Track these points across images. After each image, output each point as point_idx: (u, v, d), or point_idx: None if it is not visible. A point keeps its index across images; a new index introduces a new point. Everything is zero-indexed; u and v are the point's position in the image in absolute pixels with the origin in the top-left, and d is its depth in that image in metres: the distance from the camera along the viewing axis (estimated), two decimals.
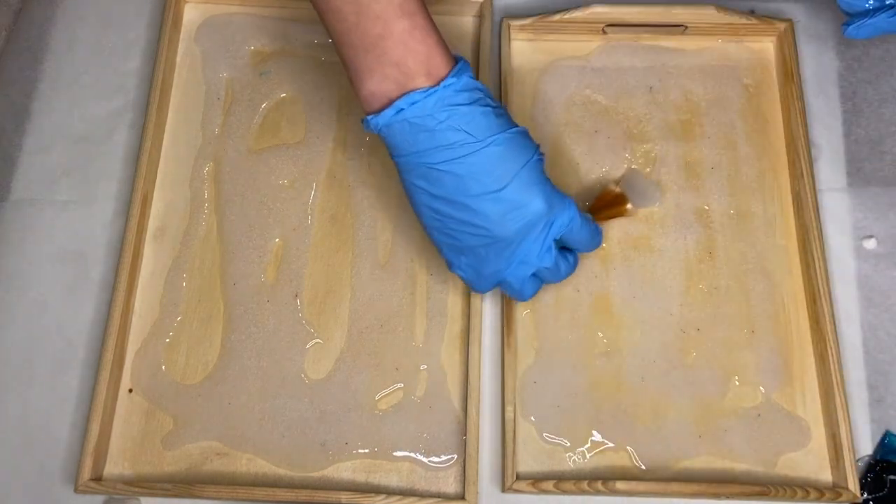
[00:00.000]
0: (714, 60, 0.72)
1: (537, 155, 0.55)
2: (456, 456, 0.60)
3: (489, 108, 0.54)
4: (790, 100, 0.68)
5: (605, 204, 0.66)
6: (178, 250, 0.66)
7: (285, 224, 0.67)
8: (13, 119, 0.71)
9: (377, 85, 0.53)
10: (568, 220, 0.56)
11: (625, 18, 0.70)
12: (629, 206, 0.66)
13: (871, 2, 0.57)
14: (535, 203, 0.54)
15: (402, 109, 0.52)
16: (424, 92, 0.52)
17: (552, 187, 0.55)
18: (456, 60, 0.54)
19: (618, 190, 0.66)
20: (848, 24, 0.59)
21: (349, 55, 0.53)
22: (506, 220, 0.54)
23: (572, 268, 0.59)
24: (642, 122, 0.70)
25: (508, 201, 0.54)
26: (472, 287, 0.60)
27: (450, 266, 0.59)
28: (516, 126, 0.55)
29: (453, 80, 0.52)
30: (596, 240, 0.61)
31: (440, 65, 0.53)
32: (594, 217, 0.62)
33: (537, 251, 0.56)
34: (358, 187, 0.68)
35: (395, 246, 0.66)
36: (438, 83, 0.52)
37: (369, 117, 0.53)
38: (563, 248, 0.59)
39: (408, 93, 0.52)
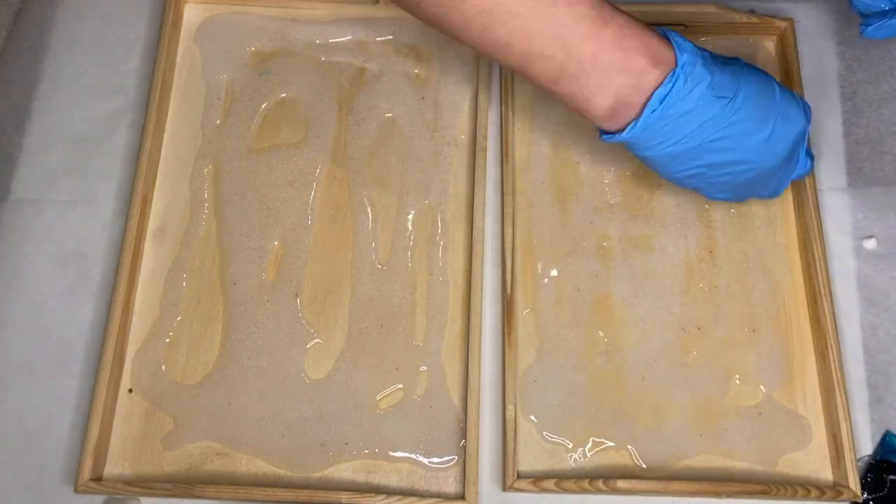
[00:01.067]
0: None
1: (768, 74, 0.55)
2: (456, 456, 0.60)
3: (715, 60, 0.53)
4: None
5: None
6: (178, 250, 0.66)
7: (285, 224, 0.67)
8: (13, 119, 0.71)
9: (613, 99, 0.52)
10: (810, 117, 0.56)
11: None
12: None
13: (888, 2, 0.57)
14: (801, 120, 0.54)
15: (655, 110, 0.51)
16: (668, 83, 0.50)
17: (795, 95, 0.56)
18: (660, 33, 0.53)
19: None
20: (866, 25, 0.59)
21: (570, 88, 0.52)
22: (777, 152, 0.54)
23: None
24: None
25: (780, 135, 0.54)
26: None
27: (710, 197, 0.61)
28: (731, 58, 0.55)
29: (680, 54, 0.51)
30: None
31: (659, 47, 0.51)
32: None
33: (801, 160, 0.58)
34: (358, 187, 0.68)
35: (395, 246, 0.66)
36: (672, 66, 0.51)
37: (621, 134, 0.53)
38: None
39: (653, 92, 0.51)
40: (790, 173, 0.59)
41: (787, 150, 0.55)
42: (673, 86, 0.50)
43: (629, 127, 0.52)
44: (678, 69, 0.50)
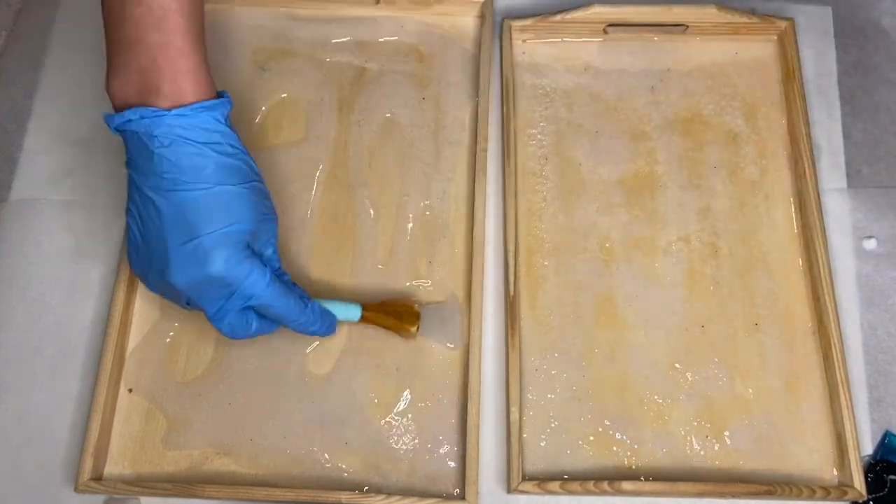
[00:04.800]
0: (715, 59, 0.72)
1: (247, 224, 0.54)
2: (457, 456, 0.60)
3: (219, 156, 0.53)
4: (792, 98, 0.69)
5: (393, 310, 0.63)
6: None
7: (286, 223, 0.66)
8: (14, 119, 0.70)
9: (121, 87, 0.53)
10: (248, 295, 0.54)
11: (626, 18, 0.70)
12: (414, 329, 0.62)
13: None
14: (214, 266, 0.52)
15: (130, 120, 0.51)
16: (154, 111, 0.51)
17: (246, 256, 0.53)
18: (219, 95, 0.54)
19: (416, 308, 0.63)
20: None
21: (109, 44, 0.53)
22: (182, 272, 0.52)
23: (254, 332, 0.57)
24: (644, 122, 0.70)
25: (190, 255, 0.52)
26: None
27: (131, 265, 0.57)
28: (247, 185, 0.54)
29: (188, 112, 0.52)
30: (318, 327, 0.59)
31: (187, 91, 0.52)
32: (371, 315, 0.61)
33: (213, 312, 0.54)
34: (358, 187, 0.68)
35: (396, 246, 0.66)
36: (174, 108, 0.51)
37: (108, 114, 0.53)
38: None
39: (141, 106, 0.51)
40: (212, 318, 0.55)
41: (192, 283, 0.52)
42: (154, 117, 0.51)
43: (110, 115, 0.53)
44: (170, 114, 0.51)
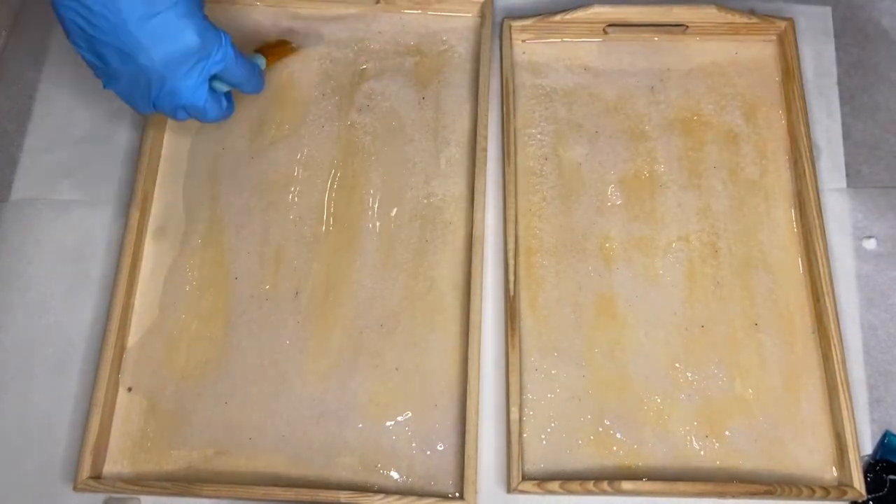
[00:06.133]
0: (714, 60, 0.72)
1: None
2: (456, 456, 0.60)
3: None
4: (791, 98, 0.69)
5: (271, 46, 0.70)
6: (179, 250, 0.66)
7: (285, 223, 0.66)
8: (15, 119, 0.71)
9: None
10: (222, 57, 0.55)
11: (626, 18, 0.70)
12: (293, 44, 0.72)
13: None
14: (188, 35, 0.53)
15: None
16: None
17: (208, 23, 0.55)
18: None
19: (288, 40, 0.72)
20: None
21: None
22: (154, 49, 0.53)
23: (224, 111, 0.60)
24: (643, 122, 0.70)
25: (159, 29, 0.53)
26: (131, 107, 0.59)
27: (104, 85, 0.58)
28: None
29: None
30: (255, 80, 0.62)
31: None
32: (265, 58, 0.67)
33: (188, 86, 0.55)
34: (358, 187, 0.68)
35: (396, 245, 0.66)
36: None
37: None
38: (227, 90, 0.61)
39: None
40: (178, 96, 0.56)
41: (167, 58, 0.54)
42: None
43: None
44: None
